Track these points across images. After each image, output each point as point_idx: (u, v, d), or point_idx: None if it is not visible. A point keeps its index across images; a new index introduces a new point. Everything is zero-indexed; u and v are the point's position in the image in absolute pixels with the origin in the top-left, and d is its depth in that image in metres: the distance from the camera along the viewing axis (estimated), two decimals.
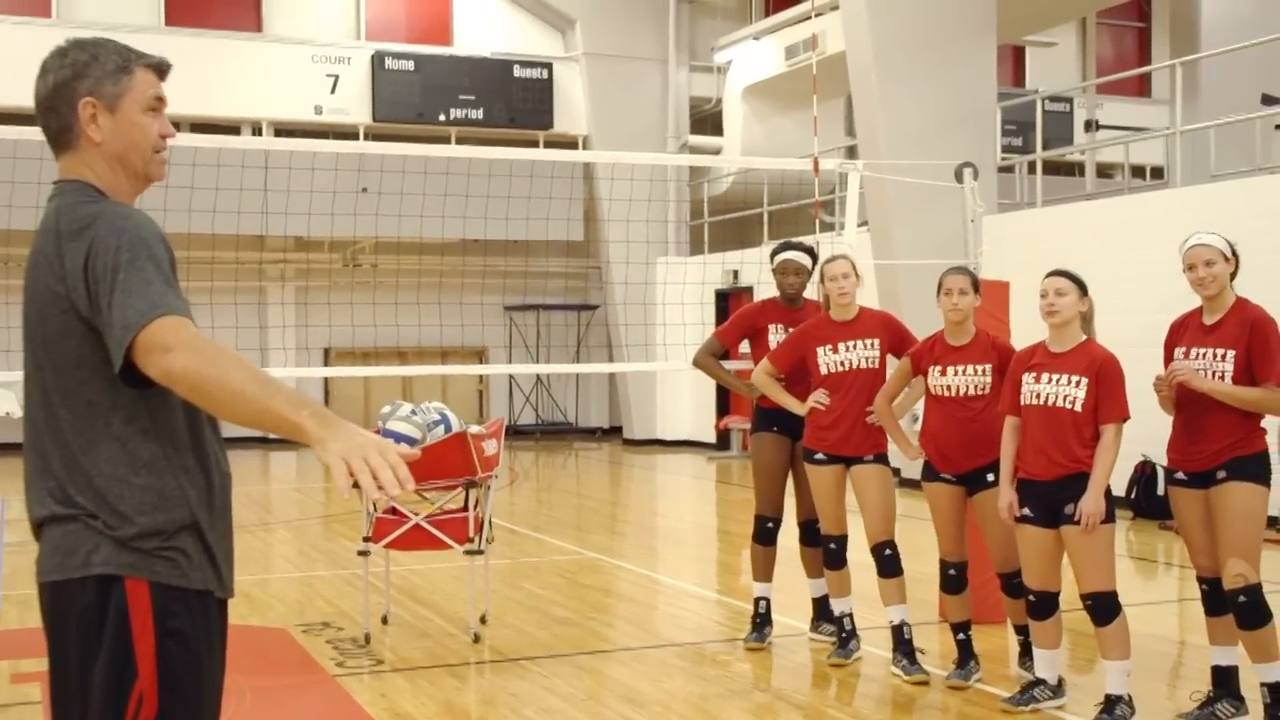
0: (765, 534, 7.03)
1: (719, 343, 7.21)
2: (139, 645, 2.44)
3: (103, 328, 2.39)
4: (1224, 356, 5.28)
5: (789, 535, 7.16)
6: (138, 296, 2.36)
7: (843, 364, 6.46)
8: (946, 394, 6.07)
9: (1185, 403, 5.40)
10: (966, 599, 6.24)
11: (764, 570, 7.06)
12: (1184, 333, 5.49)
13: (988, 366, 6.00)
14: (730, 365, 7.52)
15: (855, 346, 6.47)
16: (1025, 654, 6.20)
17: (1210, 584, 5.45)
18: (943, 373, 6.08)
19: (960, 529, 6.19)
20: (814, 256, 7.08)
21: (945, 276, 6.13)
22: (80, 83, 2.55)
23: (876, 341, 6.49)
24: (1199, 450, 5.34)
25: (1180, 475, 5.44)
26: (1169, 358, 5.50)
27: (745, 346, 7.28)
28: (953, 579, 6.21)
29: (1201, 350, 5.35)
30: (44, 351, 2.49)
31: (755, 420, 7.08)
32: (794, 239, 7.48)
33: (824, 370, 6.50)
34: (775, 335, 6.97)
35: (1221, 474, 5.28)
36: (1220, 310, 5.35)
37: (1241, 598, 5.24)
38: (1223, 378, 5.27)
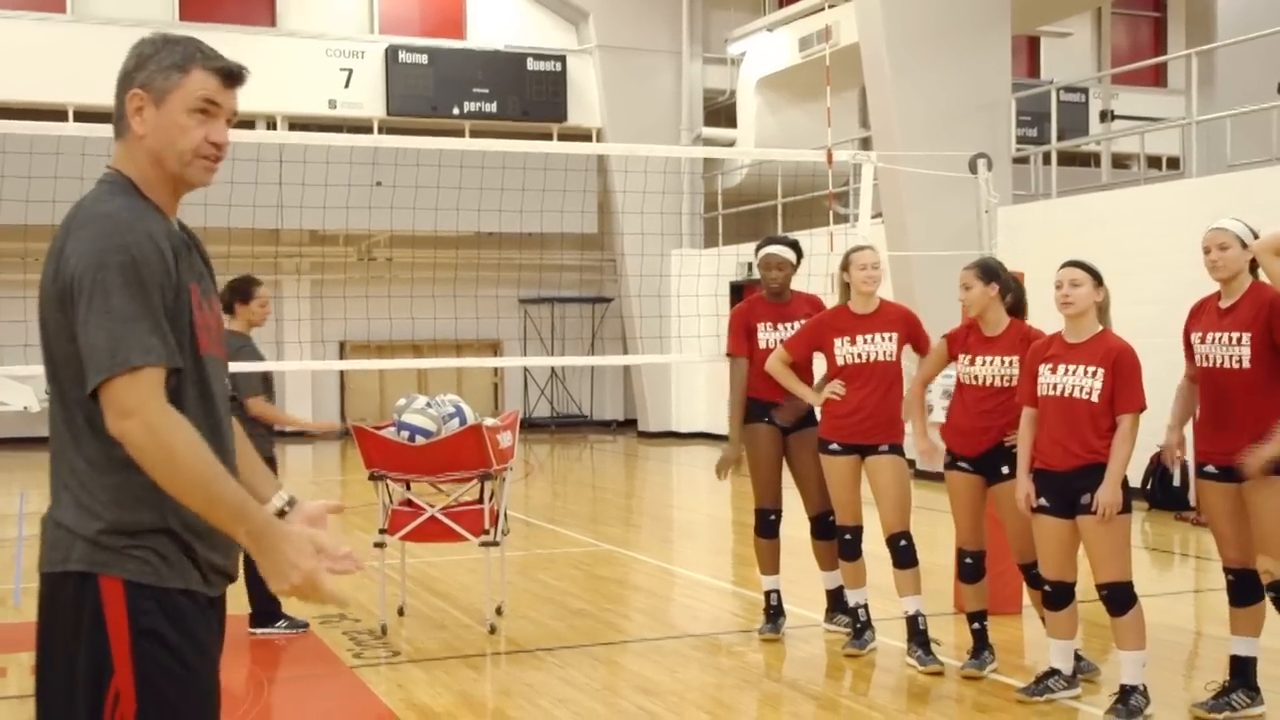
0: (768, 527, 7.02)
1: (736, 356, 6.96)
2: (114, 642, 2.42)
3: (77, 340, 2.39)
4: (1240, 340, 5.27)
5: (796, 525, 7.16)
6: (110, 335, 2.34)
7: (860, 356, 6.45)
8: (974, 383, 6.07)
9: (1212, 395, 5.38)
10: (983, 589, 6.23)
11: (770, 563, 7.05)
12: (1201, 317, 5.49)
13: (1015, 359, 5.96)
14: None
15: (873, 339, 6.45)
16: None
17: (1237, 575, 5.42)
18: (971, 362, 6.09)
19: (978, 518, 6.17)
20: (798, 250, 7.05)
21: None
22: (137, 73, 2.53)
23: (895, 335, 6.48)
24: (1230, 444, 5.29)
25: (1210, 468, 5.41)
26: (1187, 341, 5.52)
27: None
28: (969, 568, 6.20)
29: (1218, 334, 5.35)
30: (46, 346, 2.50)
31: (748, 412, 7.04)
32: (776, 234, 7.48)
33: (840, 361, 6.49)
34: (765, 333, 6.92)
35: None
36: (1236, 294, 5.35)
37: (1274, 593, 5.24)
38: (1239, 361, 5.25)
